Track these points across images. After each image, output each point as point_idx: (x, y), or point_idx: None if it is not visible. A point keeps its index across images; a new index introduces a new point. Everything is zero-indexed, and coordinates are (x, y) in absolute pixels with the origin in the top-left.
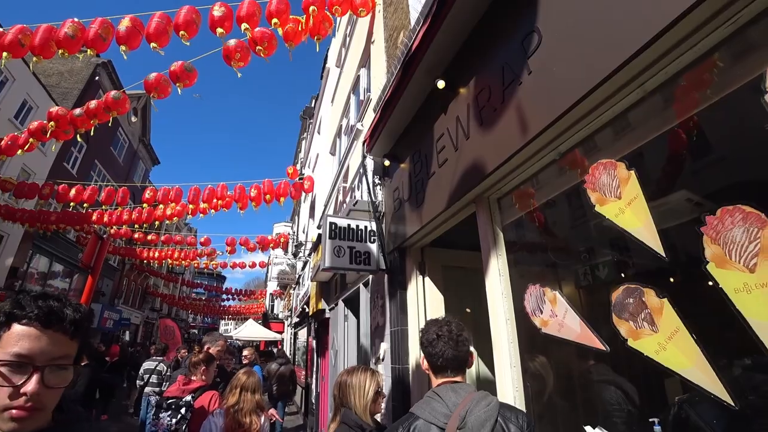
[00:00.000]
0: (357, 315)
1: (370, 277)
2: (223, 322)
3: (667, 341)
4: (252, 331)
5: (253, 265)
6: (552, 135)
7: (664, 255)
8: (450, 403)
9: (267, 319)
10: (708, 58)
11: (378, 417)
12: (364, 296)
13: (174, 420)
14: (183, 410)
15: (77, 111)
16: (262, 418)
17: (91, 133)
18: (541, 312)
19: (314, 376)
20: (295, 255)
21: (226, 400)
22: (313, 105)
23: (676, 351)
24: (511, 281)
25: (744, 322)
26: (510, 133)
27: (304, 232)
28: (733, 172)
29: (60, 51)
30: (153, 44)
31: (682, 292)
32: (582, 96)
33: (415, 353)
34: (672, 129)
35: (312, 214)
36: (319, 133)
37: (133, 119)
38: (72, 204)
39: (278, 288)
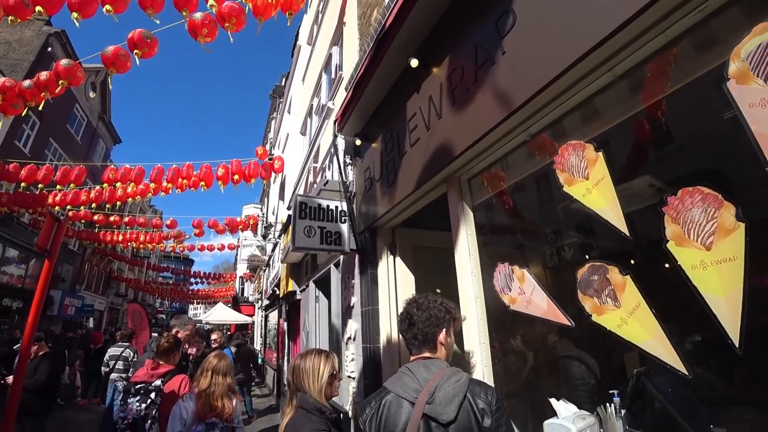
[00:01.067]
0: (328, 296)
1: (341, 257)
2: (192, 306)
3: (628, 316)
4: (222, 314)
5: (222, 248)
6: (523, 116)
7: (628, 234)
8: (421, 379)
9: (237, 303)
10: (676, 44)
11: (335, 399)
12: (335, 277)
13: (143, 405)
14: (153, 395)
15: (26, 83)
16: (234, 401)
17: (40, 108)
18: (510, 290)
19: (285, 358)
20: (264, 237)
21: (197, 384)
22: (283, 84)
23: (637, 325)
24: (481, 260)
25: (700, 298)
26: (482, 113)
27: (273, 214)
28: (694, 158)
29: (9, 18)
30: (107, 7)
31: (644, 270)
32: (553, 78)
33: (386, 332)
34: (638, 115)
35: (282, 196)
36: (289, 112)
37: (92, 95)
38: (24, 185)
39: (248, 271)
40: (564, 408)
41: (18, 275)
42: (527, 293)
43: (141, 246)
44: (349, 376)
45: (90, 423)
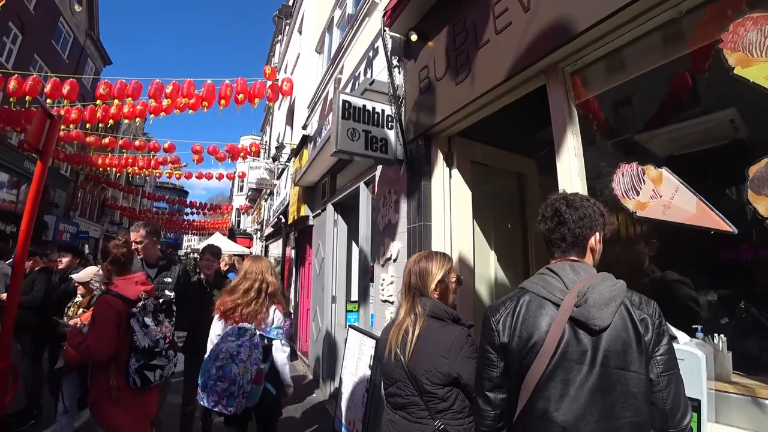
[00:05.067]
0: (349, 219)
1: (376, 172)
2: (186, 237)
3: None
4: (219, 243)
5: (221, 177)
6: None
7: None
8: (567, 280)
9: (233, 235)
10: None
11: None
12: (365, 196)
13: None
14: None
15: None
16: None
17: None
18: (638, 193)
19: (293, 287)
20: (274, 159)
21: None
22: (290, 2)
23: None
24: (587, 164)
25: None
26: None
27: (278, 141)
28: None
29: None
30: None
31: None
32: None
33: (441, 249)
34: None
35: (290, 121)
36: (300, 32)
37: (77, 8)
38: (12, 100)
39: (246, 202)
40: (680, 335)
41: (9, 201)
42: (665, 196)
43: (137, 172)
44: (385, 301)
45: None
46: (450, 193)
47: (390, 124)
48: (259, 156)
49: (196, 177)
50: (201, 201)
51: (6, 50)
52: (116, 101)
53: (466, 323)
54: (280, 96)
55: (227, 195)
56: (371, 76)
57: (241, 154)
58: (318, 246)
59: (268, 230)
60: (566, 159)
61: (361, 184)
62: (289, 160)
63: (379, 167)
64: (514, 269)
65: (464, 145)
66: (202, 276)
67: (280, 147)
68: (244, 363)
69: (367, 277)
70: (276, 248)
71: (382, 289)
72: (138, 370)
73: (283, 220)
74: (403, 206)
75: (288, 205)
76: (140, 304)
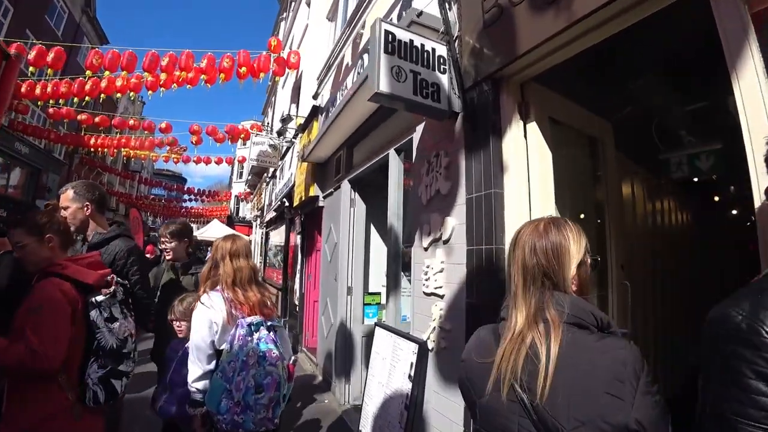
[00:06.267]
0: (368, 198)
1: (414, 135)
2: None
3: None
4: (217, 230)
5: (220, 161)
6: None
7: None
8: None
9: (232, 222)
10: None
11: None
12: (396, 166)
13: None
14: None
15: None
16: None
17: None
18: None
19: (297, 275)
20: (279, 134)
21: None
22: None
23: None
24: None
25: None
26: None
27: (281, 122)
28: None
29: None
30: None
31: None
32: None
33: (517, 226)
34: None
35: (296, 98)
36: (308, 4)
37: None
38: None
39: (246, 189)
40: None
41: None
42: None
43: (132, 154)
44: (432, 294)
45: None
46: (527, 154)
47: (442, 67)
48: (261, 132)
49: (194, 161)
50: (199, 188)
51: None
52: (107, 72)
53: (619, 331)
54: (287, 71)
55: (226, 182)
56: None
57: (242, 135)
58: (329, 230)
59: (270, 216)
60: (750, 83)
61: (391, 152)
62: (295, 136)
63: (419, 127)
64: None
65: (541, 94)
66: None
67: (286, 119)
68: (281, 361)
69: (398, 263)
70: (278, 236)
71: (427, 279)
72: (103, 379)
73: (287, 204)
74: (461, 171)
75: (293, 186)
76: (109, 290)
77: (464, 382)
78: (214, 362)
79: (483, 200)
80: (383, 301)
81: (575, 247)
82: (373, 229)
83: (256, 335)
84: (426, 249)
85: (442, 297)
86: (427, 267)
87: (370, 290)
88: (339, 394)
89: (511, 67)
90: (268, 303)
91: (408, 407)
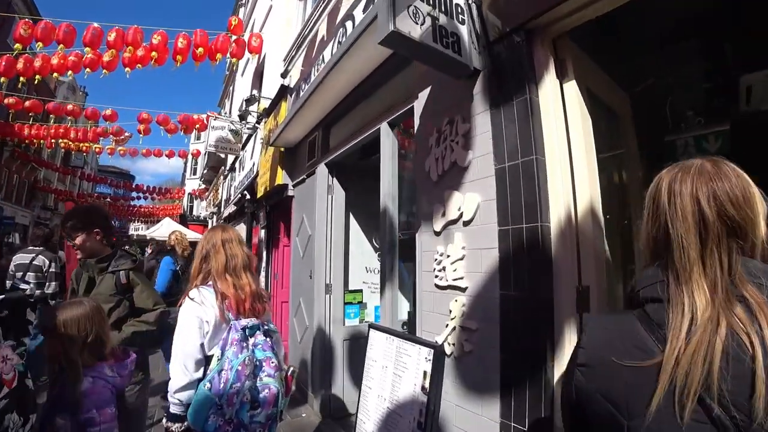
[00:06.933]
0: (347, 183)
1: (416, 102)
2: (133, 225)
3: None
4: (169, 229)
5: (172, 155)
6: None
7: None
8: None
9: (185, 221)
10: None
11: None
12: (389, 141)
13: None
14: None
15: None
16: None
17: None
18: None
19: (263, 275)
20: (242, 117)
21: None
22: None
23: None
24: None
25: None
26: None
27: (244, 102)
28: None
29: None
30: None
31: None
32: None
33: (564, 199)
34: None
35: (258, 85)
36: None
37: None
38: None
39: (201, 185)
40: None
41: None
42: None
43: (72, 147)
44: (449, 287)
45: None
46: (565, 117)
47: (461, 17)
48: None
49: (143, 154)
50: (149, 185)
51: None
52: (40, 45)
53: None
54: (247, 54)
55: (178, 180)
56: None
57: (197, 126)
58: (301, 221)
59: (229, 211)
60: None
61: (383, 127)
62: (259, 121)
63: (423, 93)
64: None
65: (574, 52)
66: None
67: (250, 99)
68: (279, 371)
69: (393, 254)
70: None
71: (441, 269)
72: None
73: (248, 197)
74: (486, 138)
75: (257, 176)
76: None
77: (592, 397)
78: (202, 370)
79: (521, 169)
80: (365, 299)
81: (760, 196)
82: (352, 219)
83: (251, 340)
84: (438, 233)
85: (463, 290)
86: (441, 255)
87: (350, 288)
88: (316, 404)
89: (548, 15)
90: (264, 294)
91: (422, 425)
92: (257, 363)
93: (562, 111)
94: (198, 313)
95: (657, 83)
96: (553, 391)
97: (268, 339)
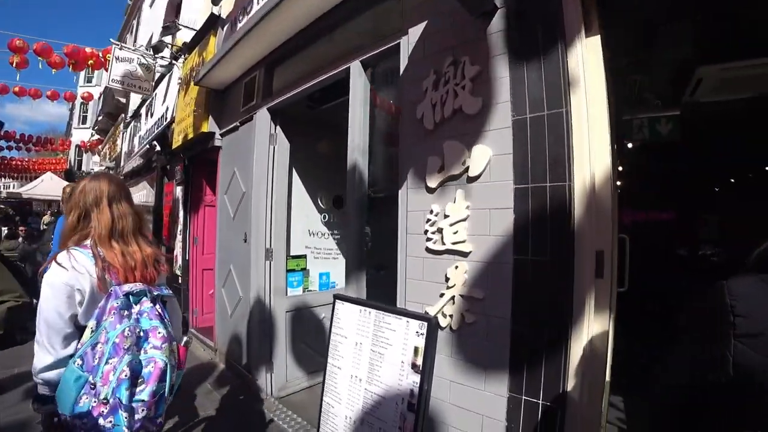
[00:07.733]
0: (292, 135)
1: (405, 39)
2: (2, 182)
3: None
4: (51, 186)
5: (55, 97)
6: None
7: None
8: None
9: (72, 177)
10: None
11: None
12: (361, 84)
13: None
14: None
15: None
16: None
17: None
18: None
19: (179, 238)
20: (156, 50)
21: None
22: None
23: None
24: None
25: None
26: None
27: (163, 29)
28: None
29: None
30: None
31: None
32: None
33: (586, 159)
34: None
35: (175, 15)
36: None
37: None
38: None
39: (94, 137)
40: None
41: None
42: None
43: None
44: (446, 251)
45: None
46: (583, 72)
47: None
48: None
49: (15, 93)
50: (24, 134)
51: None
52: None
53: None
54: None
55: (62, 130)
56: None
57: (90, 61)
58: (232, 176)
59: (132, 166)
60: None
61: (354, 66)
62: (176, 58)
63: (414, 29)
64: None
65: (599, 8)
66: None
67: (169, 27)
68: (169, 342)
69: (361, 215)
70: (143, 190)
71: (435, 231)
72: None
73: (158, 148)
74: (502, 84)
75: (171, 122)
76: None
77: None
78: (74, 345)
79: (546, 122)
80: (308, 266)
81: None
82: (295, 175)
83: (135, 309)
84: (432, 190)
85: (466, 255)
86: (435, 215)
87: (293, 253)
88: (257, 385)
89: None
90: (161, 259)
91: (415, 407)
92: (141, 333)
93: (582, 65)
94: (66, 279)
95: (631, 60)
96: (569, 362)
97: (157, 306)
